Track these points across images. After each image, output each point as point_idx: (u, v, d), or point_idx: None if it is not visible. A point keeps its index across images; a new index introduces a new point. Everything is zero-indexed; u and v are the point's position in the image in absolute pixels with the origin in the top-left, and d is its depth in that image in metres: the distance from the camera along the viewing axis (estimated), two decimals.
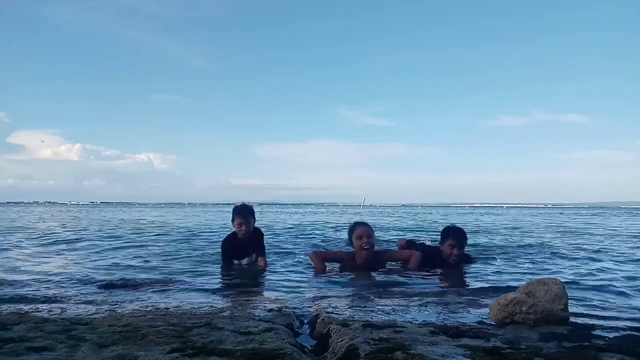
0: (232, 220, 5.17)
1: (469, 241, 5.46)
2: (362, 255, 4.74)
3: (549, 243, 8.33)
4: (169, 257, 6.14)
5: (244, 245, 5.19)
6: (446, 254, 4.93)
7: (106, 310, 2.78)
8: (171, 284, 4.07)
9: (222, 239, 5.51)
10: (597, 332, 2.28)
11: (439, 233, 5.34)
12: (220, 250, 5.37)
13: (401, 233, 11.19)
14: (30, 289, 3.79)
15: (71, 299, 3.39)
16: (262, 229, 5.44)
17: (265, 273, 4.82)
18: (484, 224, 16.26)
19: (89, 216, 23.12)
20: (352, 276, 4.54)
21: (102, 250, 6.98)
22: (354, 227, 4.90)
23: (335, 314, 2.74)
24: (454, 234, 5.01)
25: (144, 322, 2.36)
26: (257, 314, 2.62)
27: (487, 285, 4.11)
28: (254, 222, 5.24)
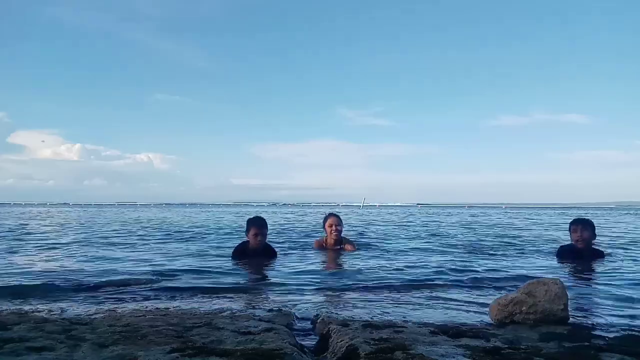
0: (247, 231, 5.42)
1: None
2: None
3: (548, 243, 8.33)
4: (169, 257, 6.14)
5: (253, 257, 5.37)
6: (574, 239, 5.41)
7: (106, 310, 2.78)
8: (171, 284, 4.07)
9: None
10: (597, 332, 2.28)
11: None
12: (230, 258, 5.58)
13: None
14: (31, 289, 3.79)
15: (71, 299, 3.39)
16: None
17: (266, 273, 4.83)
18: (484, 223, 16.27)
19: (89, 216, 23.12)
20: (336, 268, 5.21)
21: (103, 250, 6.98)
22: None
23: (335, 314, 2.74)
24: (576, 220, 5.52)
25: (144, 322, 2.36)
26: (257, 314, 2.62)
27: (487, 285, 4.11)
28: (267, 234, 5.54)
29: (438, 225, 15.13)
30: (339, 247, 6.33)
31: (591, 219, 5.67)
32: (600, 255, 5.65)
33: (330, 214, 6.44)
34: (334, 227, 6.22)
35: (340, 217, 6.43)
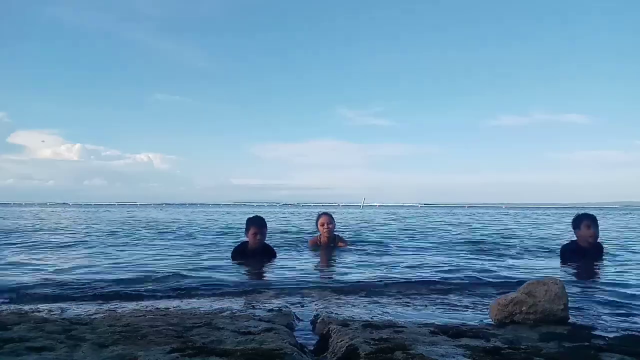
0: (246, 231, 5.40)
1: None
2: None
3: (548, 242, 8.33)
4: (168, 257, 6.14)
5: (253, 257, 5.36)
6: (585, 236, 5.20)
7: (106, 310, 2.78)
8: (171, 284, 4.07)
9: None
10: (597, 332, 2.28)
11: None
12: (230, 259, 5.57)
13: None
14: (31, 289, 3.79)
15: (71, 299, 3.39)
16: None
17: (265, 273, 4.84)
18: (484, 223, 16.27)
19: (90, 216, 23.12)
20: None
21: (103, 250, 6.98)
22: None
23: (335, 314, 2.74)
24: (587, 215, 5.30)
25: (144, 322, 2.36)
26: (257, 314, 2.62)
27: (487, 285, 4.11)
28: (266, 233, 5.53)
29: (438, 225, 15.13)
30: (332, 245, 6.60)
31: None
32: (601, 249, 5.53)
33: (322, 213, 6.74)
34: (325, 226, 6.48)
35: (333, 215, 6.72)
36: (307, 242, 7.47)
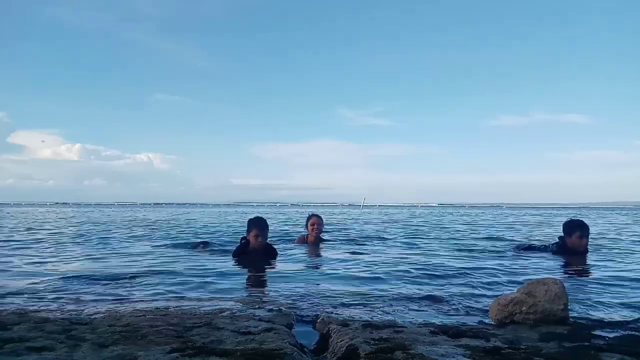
0: (248, 232, 5.38)
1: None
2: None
3: (548, 242, 8.32)
4: (169, 256, 6.14)
5: (254, 256, 5.34)
6: (575, 245, 5.42)
7: (106, 310, 2.78)
8: (171, 284, 4.07)
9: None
10: (597, 332, 2.28)
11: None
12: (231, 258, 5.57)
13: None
14: (30, 289, 3.79)
15: (71, 299, 3.39)
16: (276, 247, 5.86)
17: (266, 273, 4.83)
18: (483, 222, 16.27)
19: (90, 216, 23.12)
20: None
21: (103, 250, 6.98)
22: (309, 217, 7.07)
23: (335, 314, 2.74)
24: (580, 226, 5.47)
25: (144, 322, 2.36)
26: (257, 314, 2.62)
27: (487, 285, 4.11)
28: (268, 234, 5.56)
29: (438, 224, 15.13)
30: (319, 243, 7.03)
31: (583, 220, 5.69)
32: (586, 252, 5.68)
33: (313, 214, 7.19)
34: (315, 226, 6.94)
35: (322, 217, 7.22)
36: (294, 240, 7.66)
